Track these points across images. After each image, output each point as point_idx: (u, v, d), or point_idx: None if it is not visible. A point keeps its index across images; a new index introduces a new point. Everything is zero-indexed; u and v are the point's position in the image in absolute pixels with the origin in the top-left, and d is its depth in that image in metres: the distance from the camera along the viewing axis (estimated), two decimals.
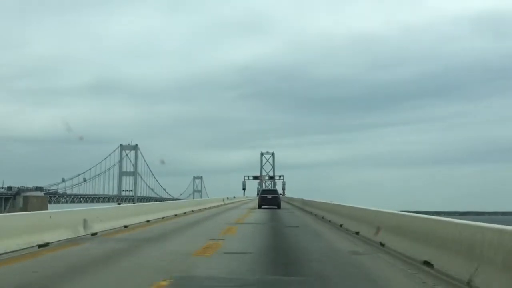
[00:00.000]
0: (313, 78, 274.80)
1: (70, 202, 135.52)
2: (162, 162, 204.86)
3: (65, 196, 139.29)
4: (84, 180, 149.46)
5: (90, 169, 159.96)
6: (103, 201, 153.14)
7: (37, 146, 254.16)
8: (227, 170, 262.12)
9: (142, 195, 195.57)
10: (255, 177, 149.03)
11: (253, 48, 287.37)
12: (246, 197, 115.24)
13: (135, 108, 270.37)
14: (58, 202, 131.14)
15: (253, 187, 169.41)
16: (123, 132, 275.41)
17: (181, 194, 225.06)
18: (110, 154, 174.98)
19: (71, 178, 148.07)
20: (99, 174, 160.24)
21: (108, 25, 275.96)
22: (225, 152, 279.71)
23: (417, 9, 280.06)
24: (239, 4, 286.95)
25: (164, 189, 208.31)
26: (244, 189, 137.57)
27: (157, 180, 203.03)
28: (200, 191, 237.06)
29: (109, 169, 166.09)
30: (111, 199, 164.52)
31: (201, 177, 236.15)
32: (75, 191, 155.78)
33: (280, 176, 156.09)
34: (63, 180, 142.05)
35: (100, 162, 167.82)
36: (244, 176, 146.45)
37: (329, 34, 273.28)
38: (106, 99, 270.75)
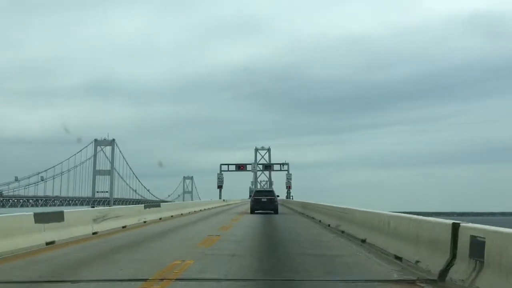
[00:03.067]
0: (308, 78, 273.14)
1: (21, 206, 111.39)
2: (160, 164, 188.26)
3: (13, 198, 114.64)
4: (42, 179, 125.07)
5: (54, 166, 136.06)
6: (68, 204, 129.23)
7: (29, 147, 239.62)
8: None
9: (122, 197, 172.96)
10: (239, 167, 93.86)
11: (248, 49, 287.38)
12: (224, 201, 73.09)
13: (129, 108, 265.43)
14: (4, 206, 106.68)
15: (242, 185, 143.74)
16: (117, 133, 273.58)
17: (169, 196, 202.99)
18: (81, 150, 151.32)
19: (28, 177, 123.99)
20: (62, 173, 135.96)
21: (103, 26, 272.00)
22: (219, 153, 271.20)
23: (411, 10, 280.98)
24: (234, 5, 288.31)
25: (148, 190, 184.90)
26: (220, 186, 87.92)
27: (139, 180, 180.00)
28: (190, 192, 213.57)
29: (76, 166, 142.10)
30: (80, 202, 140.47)
31: (192, 177, 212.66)
32: (48, 192, 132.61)
33: (282, 164, 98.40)
34: (16, 180, 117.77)
35: (68, 158, 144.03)
36: (221, 165, 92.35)
37: (324, 35, 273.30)
38: (100, 100, 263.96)
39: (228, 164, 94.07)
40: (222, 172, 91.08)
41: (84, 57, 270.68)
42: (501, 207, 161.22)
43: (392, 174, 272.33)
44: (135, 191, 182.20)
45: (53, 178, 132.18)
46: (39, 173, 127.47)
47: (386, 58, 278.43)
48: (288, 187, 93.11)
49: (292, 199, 78.62)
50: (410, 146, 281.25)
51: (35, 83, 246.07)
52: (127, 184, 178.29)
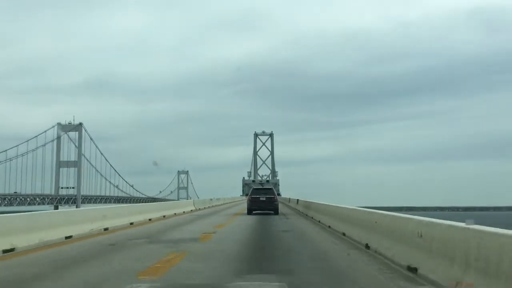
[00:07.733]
0: (309, 74, 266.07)
1: None
2: (155, 163, 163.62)
3: None
4: None
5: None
6: (8, 204, 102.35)
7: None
8: (221, 167, 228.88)
9: (96, 194, 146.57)
10: None
11: (249, 45, 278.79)
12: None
13: (128, 106, 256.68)
14: None
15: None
16: (116, 131, 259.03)
17: (160, 192, 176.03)
18: (37, 136, 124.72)
19: None
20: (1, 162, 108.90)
21: (103, 23, 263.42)
22: (219, 149, 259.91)
23: (412, 4, 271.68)
24: (235, 1, 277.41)
25: (132, 186, 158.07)
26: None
27: (119, 174, 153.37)
28: (186, 188, 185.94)
29: (24, 154, 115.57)
30: (30, 200, 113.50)
31: (187, 171, 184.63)
32: None
33: None
34: None
35: (17, 146, 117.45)
36: None
37: (325, 30, 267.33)
38: (100, 97, 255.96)
39: None
40: None
41: (82, 54, 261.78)
42: (508, 202, 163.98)
43: (397, 169, 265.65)
44: (117, 186, 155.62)
45: None
46: None
47: (386, 52, 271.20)
48: None
49: None
50: (413, 141, 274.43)
51: (32, 80, 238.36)
52: (106, 179, 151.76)
